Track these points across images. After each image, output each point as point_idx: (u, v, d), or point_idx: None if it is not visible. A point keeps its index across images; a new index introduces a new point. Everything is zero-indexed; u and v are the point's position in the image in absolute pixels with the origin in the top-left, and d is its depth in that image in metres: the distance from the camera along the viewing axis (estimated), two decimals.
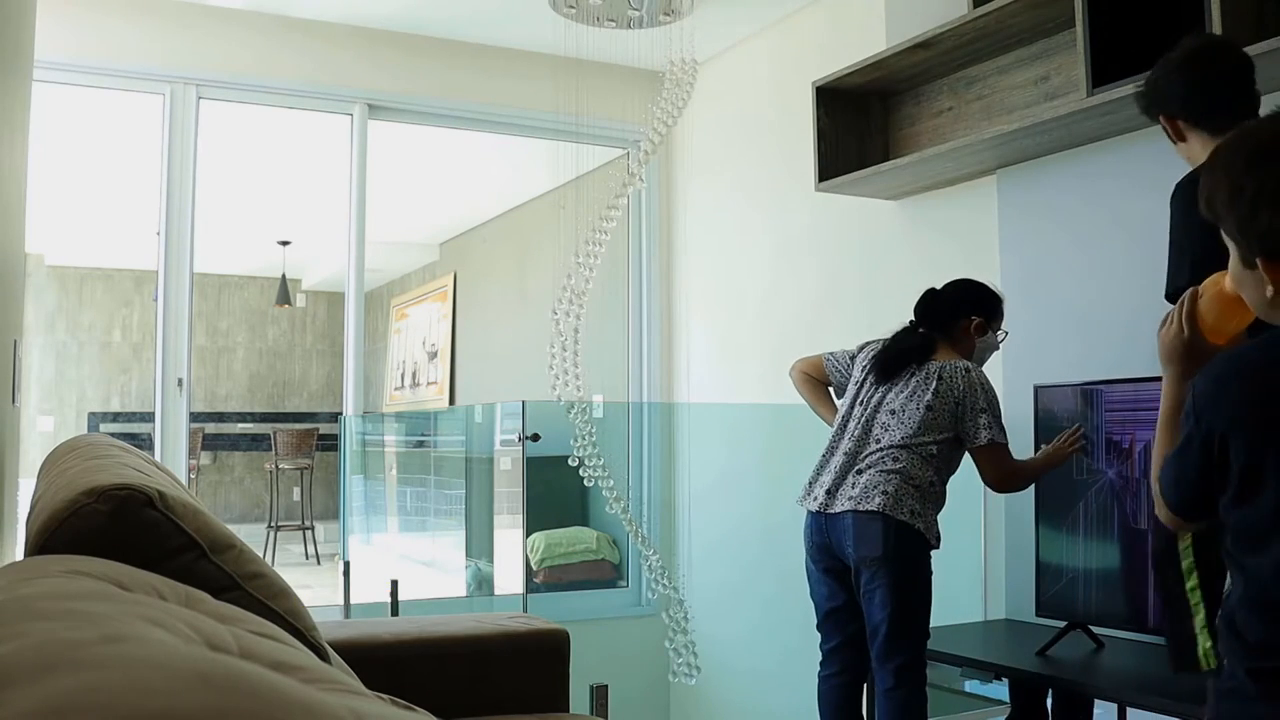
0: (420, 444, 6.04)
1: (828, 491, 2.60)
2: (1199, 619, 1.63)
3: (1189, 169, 1.94)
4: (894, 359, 2.67)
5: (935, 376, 2.58)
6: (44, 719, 0.40)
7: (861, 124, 3.57)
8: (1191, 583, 1.64)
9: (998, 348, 2.79)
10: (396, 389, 9.02)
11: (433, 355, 8.26)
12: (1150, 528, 1.78)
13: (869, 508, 2.49)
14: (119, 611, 0.65)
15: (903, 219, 3.62)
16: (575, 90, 3.99)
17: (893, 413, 2.59)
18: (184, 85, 4.03)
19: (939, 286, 2.76)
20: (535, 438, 3.91)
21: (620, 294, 4.87)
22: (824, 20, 3.99)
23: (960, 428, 2.55)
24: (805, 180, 3.66)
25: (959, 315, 2.69)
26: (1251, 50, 2.26)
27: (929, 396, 2.56)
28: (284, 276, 8.64)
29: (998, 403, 2.59)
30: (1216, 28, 2.32)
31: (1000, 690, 2.84)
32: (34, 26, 2.76)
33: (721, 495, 4.27)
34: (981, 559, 3.27)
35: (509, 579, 4.36)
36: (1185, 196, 1.82)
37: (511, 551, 4.34)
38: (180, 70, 4.00)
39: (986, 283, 2.75)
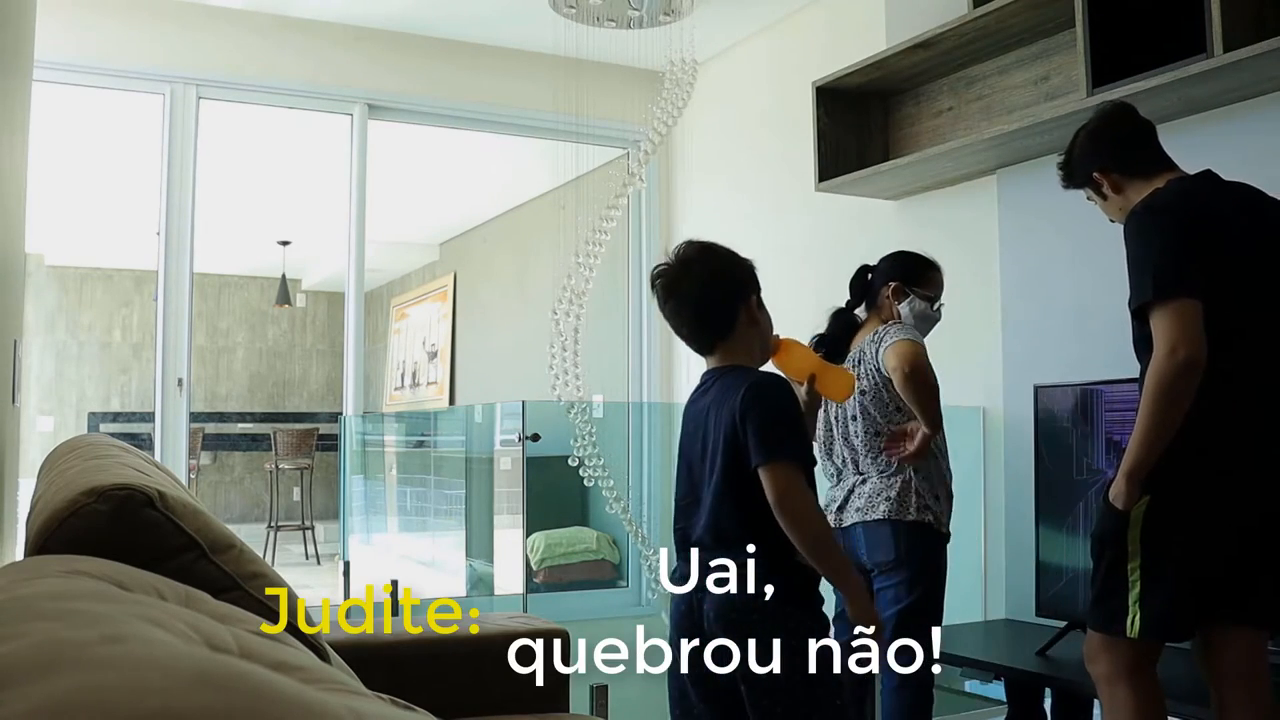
0: (420, 444, 6.04)
1: (839, 507, 2.62)
2: (1134, 593, 1.90)
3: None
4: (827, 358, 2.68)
5: (859, 360, 2.59)
6: (44, 719, 0.40)
7: (861, 124, 3.57)
8: (1134, 563, 1.90)
9: (938, 318, 2.68)
10: (396, 389, 9.02)
11: (433, 355, 8.26)
12: (1100, 512, 1.98)
13: (875, 517, 2.51)
14: (119, 611, 0.65)
15: (903, 219, 3.62)
16: (575, 90, 3.99)
17: (854, 419, 2.59)
18: (184, 85, 4.03)
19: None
20: (535, 438, 3.91)
21: (620, 294, 4.87)
22: (824, 20, 3.99)
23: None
24: (805, 180, 3.66)
25: (880, 284, 2.68)
26: (1251, 50, 2.26)
27: (864, 385, 2.56)
28: (284, 276, 8.64)
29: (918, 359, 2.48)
30: (1216, 28, 2.32)
31: (1000, 690, 2.84)
32: (34, 26, 2.75)
33: None
34: (981, 559, 3.27)
35: (509, 579, 4.36)
36: (1140, 221, 1.96)
37: (511, 551, 4.34)
38: (180, 70, 4.00)
39: (919, 251, 2.71)
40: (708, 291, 1.86)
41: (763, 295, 1.90)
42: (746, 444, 1.74)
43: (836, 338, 2.68)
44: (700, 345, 1.90)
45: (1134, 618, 1.90)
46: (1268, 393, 1.90)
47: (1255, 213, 1.98)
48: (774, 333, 1.94)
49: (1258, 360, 1.91)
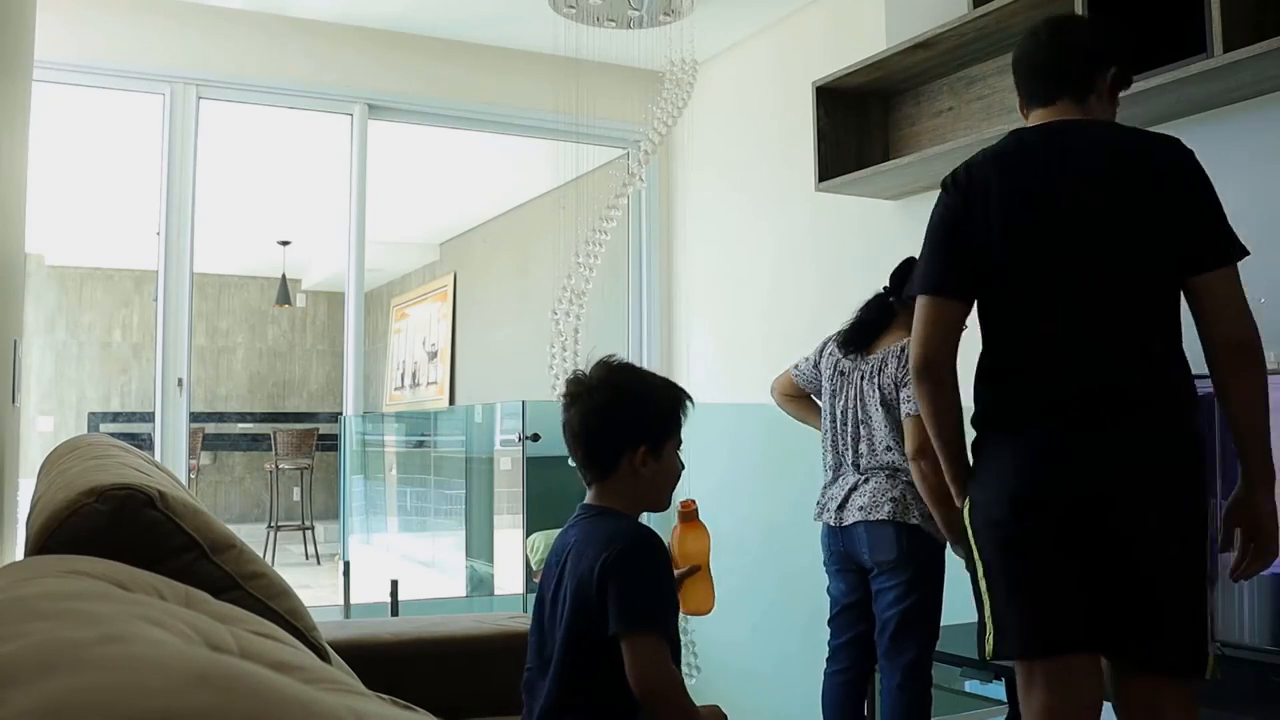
0: (420, 444, 6.04)
1: (839, 506, 2.62)
2: (988, 609, 1.76)
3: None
4: (846, 348, 2.69)
5: (881, 369, 2.60)
6: (44, 719, 0.40)
7: (861, 124, 3.57)
8: (980, 572, 1.78)
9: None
10: (396, 389, 9.02)
11: (433, 355, 8.26)
12: None
13: (879, 517, 2.51)
14: (119, 611, 0.65)
15: (903, 219, 3.62)
16: (575, 90, 3.99)
17: (869, 417, 2.60)
18: (184, 85, 4.03)
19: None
20: (535, 438, 3.91)
21: (620, 294, 4.87)
22: (824, 20, 3.99)
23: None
24: (805, 180, 3.66)
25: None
26: (1251, 50, 2.26)
27: (890, 389, 2.56)
28: (284, 276, 8.64)
29: None
30: (1216, 28, 2.32)
31: (1000, 690, 2.84)
32: (34, 26, 2.75)
33: (722, 496, 4.26)
34: None
35: (509, 579, 4.36)
36: (936, 202, 1.95)
37: (511, 551, 4.34)
38: (180, 70, 4.00)
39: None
40: (593, 426, 1.69)
41: (679, 444, 1.70)
42: (604, 607, 1.54)
43: (871, 322, 2.70)
44: (584, 475, 1.74)
45: (990, 635, 1.75)
46: (1079, 360, 1.75)
47: (1079, 155, 1.83)
48: (688, 500, 1.75)
49: (1064, 328, 1.76)
